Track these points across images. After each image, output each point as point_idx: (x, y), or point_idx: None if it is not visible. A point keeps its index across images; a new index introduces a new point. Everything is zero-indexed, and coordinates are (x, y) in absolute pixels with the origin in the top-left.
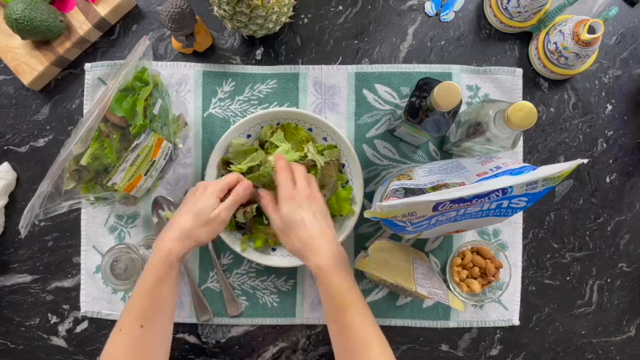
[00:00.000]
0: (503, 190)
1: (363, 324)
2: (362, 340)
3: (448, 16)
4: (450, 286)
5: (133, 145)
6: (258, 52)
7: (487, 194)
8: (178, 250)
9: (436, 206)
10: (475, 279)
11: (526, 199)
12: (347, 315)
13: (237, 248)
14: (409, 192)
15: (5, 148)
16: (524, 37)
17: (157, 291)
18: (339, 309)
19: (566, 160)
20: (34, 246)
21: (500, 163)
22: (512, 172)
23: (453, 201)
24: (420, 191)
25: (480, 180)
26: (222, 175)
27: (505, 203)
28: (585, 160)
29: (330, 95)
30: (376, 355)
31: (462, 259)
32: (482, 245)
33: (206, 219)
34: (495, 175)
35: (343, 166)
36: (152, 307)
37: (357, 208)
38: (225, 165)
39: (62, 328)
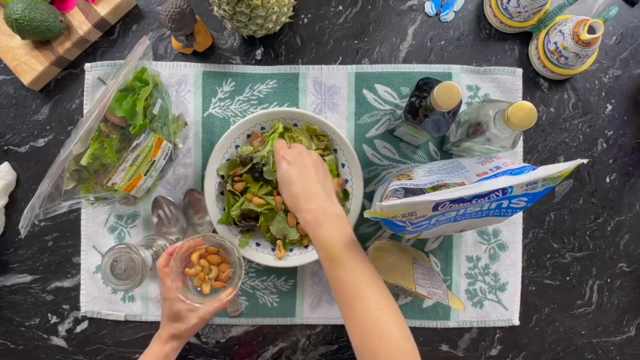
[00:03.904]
0: (503, 190)
1: (353, 277)
2: (353, 293)
3: (448, 16)
4: None
5: (133, 145)
6: (258, 52)
7: (487, 194)
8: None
9: (436, 206)
10: None
11: (526, 199)
12: (337, 269)
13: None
14: (409, 192)
15: (5, 148)
16: (524, 37)
17: None
18: (329, 263)
19: (566, 160)
20: (34, 246)
21: (500, 163)
22: (512, 172)
23: (453, 201)
24: (420, 191)
25: (479, 180)
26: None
27: (505, 203)
28: (585, 160)
29: (330, 95)
30: (371, 306)
31: None
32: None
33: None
34: (495, 175)
35: (343, 166)
36: None
37: (356, 208)
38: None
39: (62, 328)
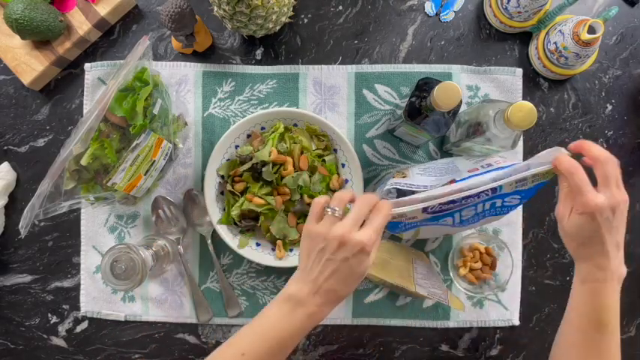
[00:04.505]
0: (493, 189)
1: (617, 354)
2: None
3: (448, 16)
4: (451, 273)
5: (133, 145)
6: (258, 52)
7: (477, 194)
8: None
9: (425, 209)
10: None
11: (518, 196)
12: (604, 337)
13: (236, 247)
14: (401, 193)
15: (5, 148)
16: (524, 37)
17: None
18: (598, 327)
19: None
20: (34, 246)
21: (493, 161)
22: (502, 169)
23: (443, 204)
24: (411, 192)
25: (470, 176)
26: (223, 176)
27: (499, 202)
28: (564, 150)
29: (330, 95)
30: None
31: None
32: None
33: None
34: (486, 172)
35: (343, 166)
36: None
37: None
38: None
39: (62, 328)
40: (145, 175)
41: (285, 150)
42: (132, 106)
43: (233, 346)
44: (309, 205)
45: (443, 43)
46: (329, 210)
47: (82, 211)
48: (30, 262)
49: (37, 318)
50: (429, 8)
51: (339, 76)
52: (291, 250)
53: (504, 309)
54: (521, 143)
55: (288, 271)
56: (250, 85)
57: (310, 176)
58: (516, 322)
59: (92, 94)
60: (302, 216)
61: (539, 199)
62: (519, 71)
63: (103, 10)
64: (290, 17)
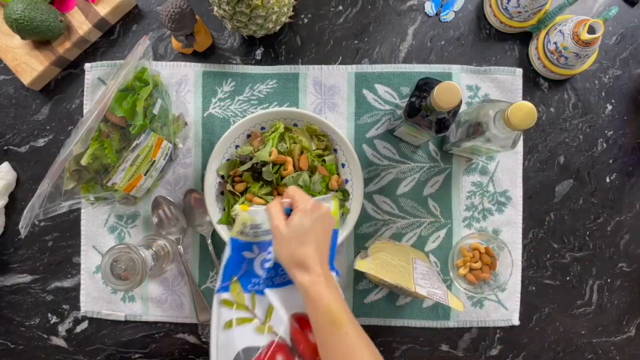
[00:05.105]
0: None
1: (355, 345)
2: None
3: (448, 16)
4: (451, 273)
5: (133, 145)
6: (258, 52)
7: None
8: None
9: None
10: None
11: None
12: (339, 335)
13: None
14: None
15: (5, 148)
16: (524, 37)
17: None
18: (331, 328)
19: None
20: (34, 246)
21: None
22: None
23: None
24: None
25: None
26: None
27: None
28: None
29: (330, 95)
30: None
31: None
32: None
33: None
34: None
35: (343, 166)
36: None
37: (356, 208)
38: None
39: (62, 328)
40: (145, 175)
41: (285, 150)
42: (132, 106)
43: None
44: None
45: (443, 43)
46: None
47: (82, 211)
48: (30, 262)
49: (37, 318)
50: (429, 8)
51: (339, 76)
52: None
53: (504, 309)
54: (521, 143)
55: None
56: (250, 85)
57: (310, 176)
58: (516, 322)
59: (92, 94)
60: None
61: (539, 199)
62: (519, 71)
63: (103, 10)
64: (290, 17)
